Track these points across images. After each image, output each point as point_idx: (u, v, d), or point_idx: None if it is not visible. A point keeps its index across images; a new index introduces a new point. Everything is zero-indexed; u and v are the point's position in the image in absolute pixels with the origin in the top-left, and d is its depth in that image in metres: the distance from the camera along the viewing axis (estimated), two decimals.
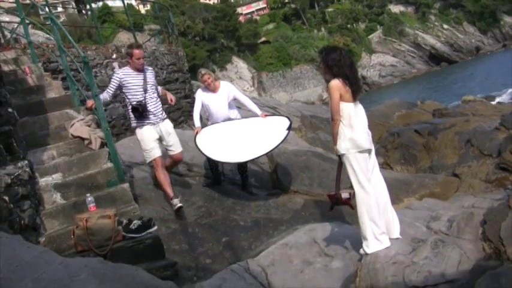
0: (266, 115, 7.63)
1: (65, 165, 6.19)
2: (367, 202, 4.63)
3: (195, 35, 60.99)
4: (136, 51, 6.60)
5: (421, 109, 15.98)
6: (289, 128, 7.28)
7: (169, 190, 6.67)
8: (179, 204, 6.60)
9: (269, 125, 7.38)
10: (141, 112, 6.58)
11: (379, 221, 4.65)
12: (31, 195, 5.19)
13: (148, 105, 6.64)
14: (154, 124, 6.70)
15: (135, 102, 6.60)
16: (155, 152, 6.67)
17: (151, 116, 6.66)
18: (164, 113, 6.94)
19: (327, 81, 4.76)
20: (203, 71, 7.64)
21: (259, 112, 7.56)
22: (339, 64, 4.64)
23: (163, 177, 6.68)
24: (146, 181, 7.44)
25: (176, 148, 6.92)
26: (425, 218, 5.26)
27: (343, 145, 4.65)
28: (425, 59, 72.37)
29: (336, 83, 4.64)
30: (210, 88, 7.48)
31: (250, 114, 7.84)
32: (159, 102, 6.87)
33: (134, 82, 6.67)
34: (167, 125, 6.85)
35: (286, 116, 7.76)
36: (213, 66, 58.23)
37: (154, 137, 6.69)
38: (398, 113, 15.67)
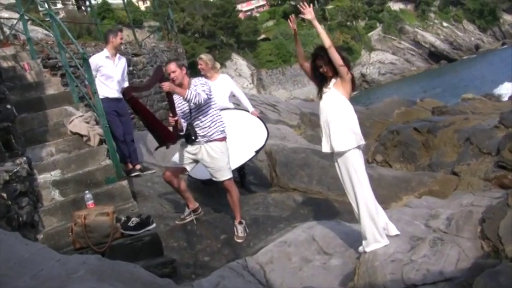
0: (257, 115, 7.47)
1: (64, 161, 6.19)
2: (367, 200, 4.62)
3: (194, 31, 60.91)
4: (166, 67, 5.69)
5: (421, 107, 15.98)
6: (265, 140, 7.25)
7: (185, 196, 6.30)
8: (188, 219, 6.33)
9: (250, 126, 7.25)
10: (192, 139, 5.77)
11: (378, 219, 4.64)
12: (29, 192, 5.19)
13: (196, 128, 5.75)
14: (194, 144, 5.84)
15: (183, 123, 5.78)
16: (171, 162, 6.09)
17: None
18: (215, 134, 5.78)
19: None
20: (202, 55, 7.57)
21: (251, 109, 7.48)
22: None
23: (175, 186, 6.09)
24: (145, 178, 7.43)
25: (218, 176, 5.88)
26: (424, 216, 5.26)
27: (346, 141, 4.64)
28: (425, 57, 72.12)
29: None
30: (204, 73, 7.24)
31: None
32: (213, 123, 5.75)
33: (179, 101, 5.75)
34: (210, 148, 5.76)
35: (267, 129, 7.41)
36: None
37: (186, 150, 5.89)
38: (397, 111, 15.66)
